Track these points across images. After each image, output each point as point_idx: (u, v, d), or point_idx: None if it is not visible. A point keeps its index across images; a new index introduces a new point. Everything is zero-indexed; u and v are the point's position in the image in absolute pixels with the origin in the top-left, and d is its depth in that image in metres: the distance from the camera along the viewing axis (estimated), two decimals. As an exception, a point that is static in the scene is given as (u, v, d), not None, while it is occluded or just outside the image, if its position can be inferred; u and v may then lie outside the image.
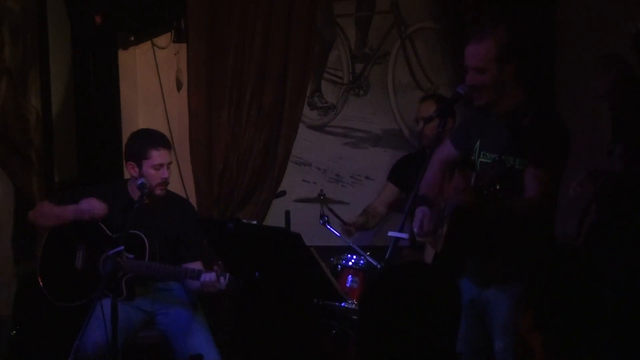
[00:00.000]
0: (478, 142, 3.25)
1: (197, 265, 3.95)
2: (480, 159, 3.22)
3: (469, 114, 3.42)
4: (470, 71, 3.16)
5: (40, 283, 3.96)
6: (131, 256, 3.80)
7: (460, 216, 3.06)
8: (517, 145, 3.09)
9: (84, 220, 3.87)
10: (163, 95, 5.29)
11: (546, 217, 3.16)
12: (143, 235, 3.83)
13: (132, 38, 5.24)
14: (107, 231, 3.90)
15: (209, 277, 3.71)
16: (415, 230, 3.26)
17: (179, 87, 5.27)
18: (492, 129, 3.20)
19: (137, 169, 3.92)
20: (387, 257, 3.12)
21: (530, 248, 2.99)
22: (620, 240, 3.64)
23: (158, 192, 3.94)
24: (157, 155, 3.92)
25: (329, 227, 4.44)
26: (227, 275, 3.70)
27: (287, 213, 4.55)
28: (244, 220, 3.94)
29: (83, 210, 3.87)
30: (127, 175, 4.34)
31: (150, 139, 4.00)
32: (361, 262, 4.29)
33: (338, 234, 4.44)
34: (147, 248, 3.83)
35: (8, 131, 4.60)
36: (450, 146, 3.42)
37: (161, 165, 3.92)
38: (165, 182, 3.97)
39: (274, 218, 5.03)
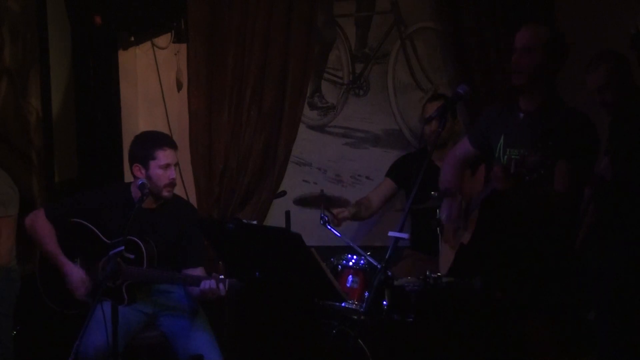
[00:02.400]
0: (502, 139, 3.26)
1: (198, 271, 3.93)
2: (506, 156, 3.25)
3: (489, 113, 3.44)
4: (517, 52, 3.29)
5: (42, 293, 3.96)
6: (132, 256, 3.78)
7: (492, 206, 3.09)
8: (547, 140, 3.10)
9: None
10: (163, 95, 5.30)
11: (572, 213, 3.23)
12: (139, 241, 3.79)
13: (132, 38, 5.25)
14: (104, 239, 3.88)
15: (208, 284, 3.68)
16: (445, 214, 3.41)
17: (179, 87, 5.27)
18: (519, 126, 3.24)
19: (143, 171, 3.88)
20: (387, 257, 3.12)
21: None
22: (618, 242, 3.63)
23: (166, 193, 3.92)
24: (164, 155, 3.89)
25: (329, 227, 4.44)
26: (227, 281, 3.68)
27: (287, 213, 4.56)
28: (244, 221, 3.94)
29: (66, 274, 3.84)
30: (127, 176, 4.34)
31: (156, 139, 3.97)
32: (361, 262, 4.29)
33: (338, 234, 4.44)
34: (145, 253, 3.80)
35: (8, 131, 4.61)
36: (468, 144, 3.43)
37: (168, 165, 3.90)
38: (172, 183, 3.94)
39: (274, 218, 5.04)
